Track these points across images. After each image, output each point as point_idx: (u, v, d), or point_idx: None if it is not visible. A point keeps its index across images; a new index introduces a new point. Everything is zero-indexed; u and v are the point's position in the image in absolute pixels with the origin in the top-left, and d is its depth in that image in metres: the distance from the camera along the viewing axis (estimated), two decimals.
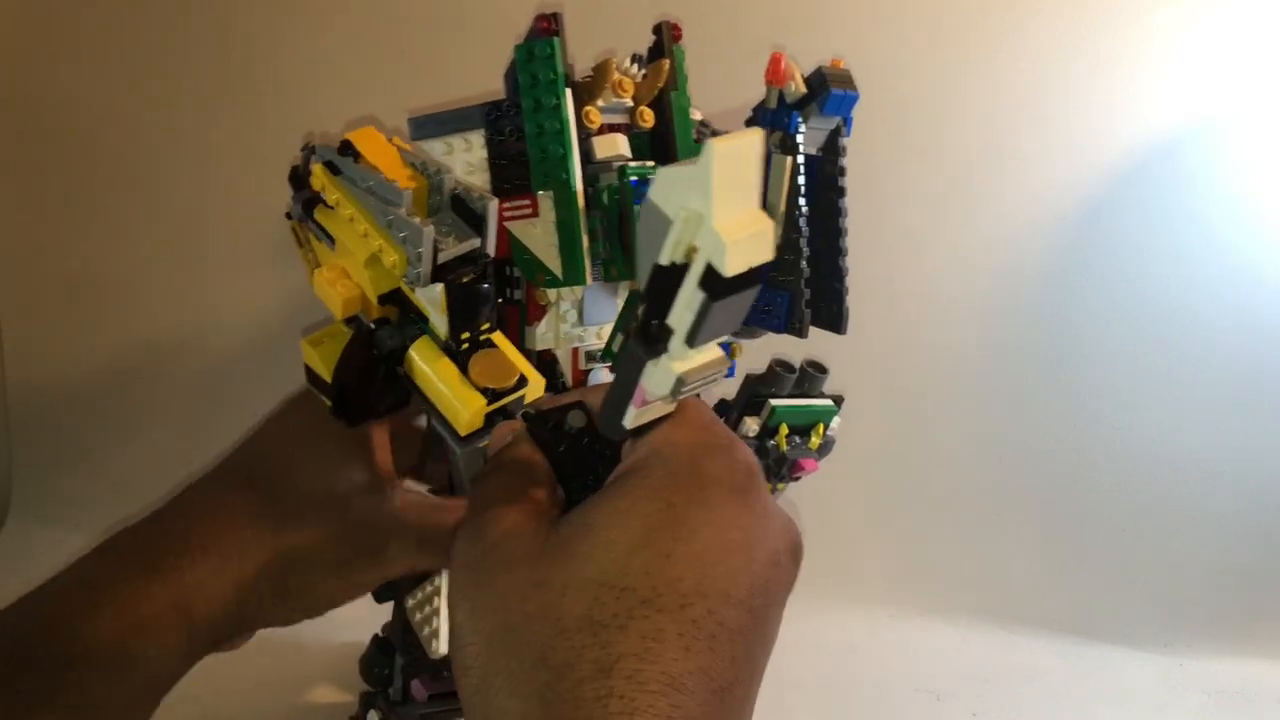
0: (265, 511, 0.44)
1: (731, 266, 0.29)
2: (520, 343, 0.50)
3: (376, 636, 0.63)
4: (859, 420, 0.97)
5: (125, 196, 0.96)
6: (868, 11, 0.90)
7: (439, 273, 0.40)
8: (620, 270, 0.48)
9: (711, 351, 0.32)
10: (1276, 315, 0.90)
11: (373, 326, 0.43)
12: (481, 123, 0.48)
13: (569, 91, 0.47)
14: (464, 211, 0.41)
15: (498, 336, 0.43)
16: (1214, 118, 0.89)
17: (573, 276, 0.47)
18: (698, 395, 0.34)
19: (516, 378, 0.42)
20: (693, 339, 0.31)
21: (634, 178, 0.47)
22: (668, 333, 0.31)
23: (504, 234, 0.48)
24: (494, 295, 0.42)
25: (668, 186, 0.30)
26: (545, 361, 0.51)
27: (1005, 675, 0.82)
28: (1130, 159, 0.91)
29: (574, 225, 0.47)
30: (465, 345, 0.42)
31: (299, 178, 0.45)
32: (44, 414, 0.98)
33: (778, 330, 0.51)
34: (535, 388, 0.43)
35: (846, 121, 0.50)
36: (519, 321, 0.51)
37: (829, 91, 0.46)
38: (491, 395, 0.41)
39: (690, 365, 0.32)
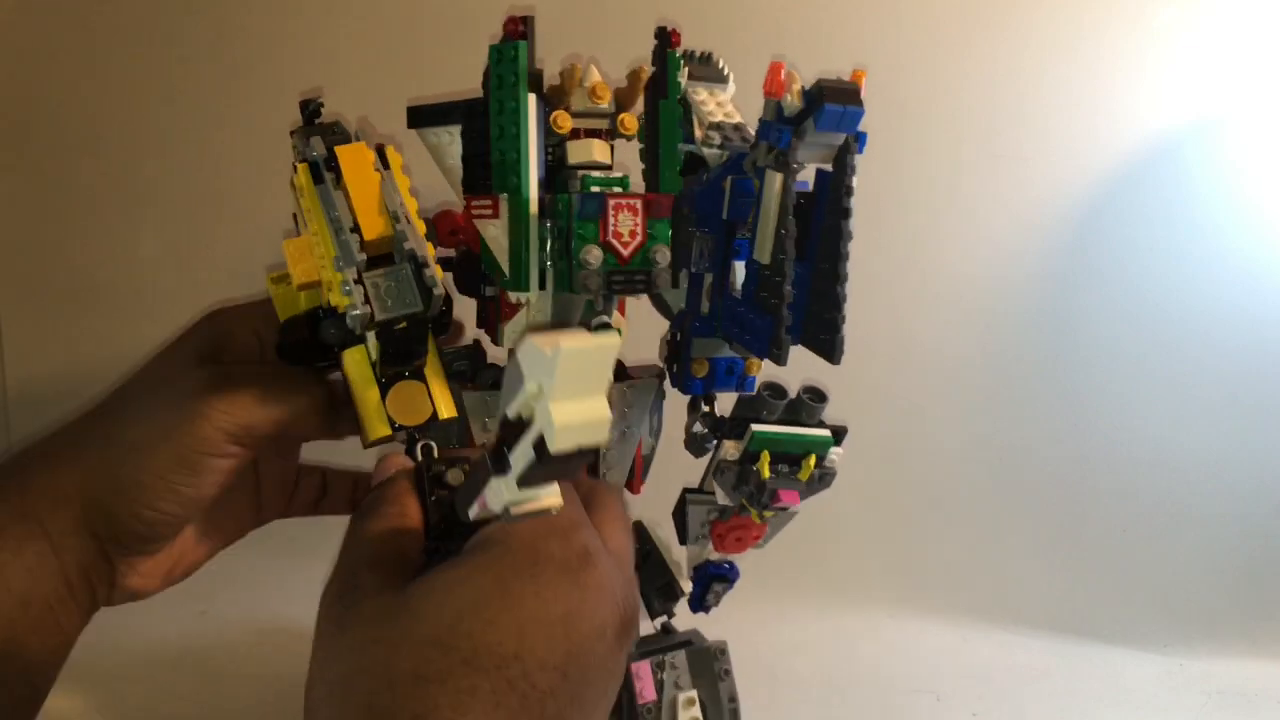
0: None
1: (558, 446, 0.32)
2: (497, 339, 0.51)
3: None
4: (859, 420, 0.97)
5: (126, 197, 0.96)
6: (867, 12, 0.90)
7: (376, 324, 0.43)
8: (562, 283, 0.47)
9: (548, 492, 0.36)
10: (1276, 316, 0.90)
11: (322, 313, 0.46)
12: (460, 120, 0.49)
13: (534, 97, 0.46)
14: (417, 275, 0.43)
15: (430, 368, 0.46)
16: (1214, 118, 0.89)
17: (515, 282, 0.47)
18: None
19: (427, 417, 0.46)
20: (521, 482, 0.35)
21: (595, 188, 0.46)
22: (507, 464, 0.35)
23: (475, 230, 0.48)
24: (424, 344, 0.46)
25: (531, 354, 0.33)
26: None
27: (1005, 675, 0.82)
28: (1130, 159, 0.91)
29: (521, 232, 0.46)
30: (387, 380, 0.46)
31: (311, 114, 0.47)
32: (44, 414, 0.98)
33: (759, 355, 0.50)
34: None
35: (859, 139, 0.47)
36: (495, 317, 0.51)
37: (823, 107, 0.44)
38: (398, 428, 0.45)
39: (520, 498, 0.36)
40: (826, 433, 0.53)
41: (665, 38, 0.50)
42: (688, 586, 0.58)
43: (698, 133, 0.52)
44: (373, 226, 0.44)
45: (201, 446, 0.45)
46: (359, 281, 0.42)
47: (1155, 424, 0.93)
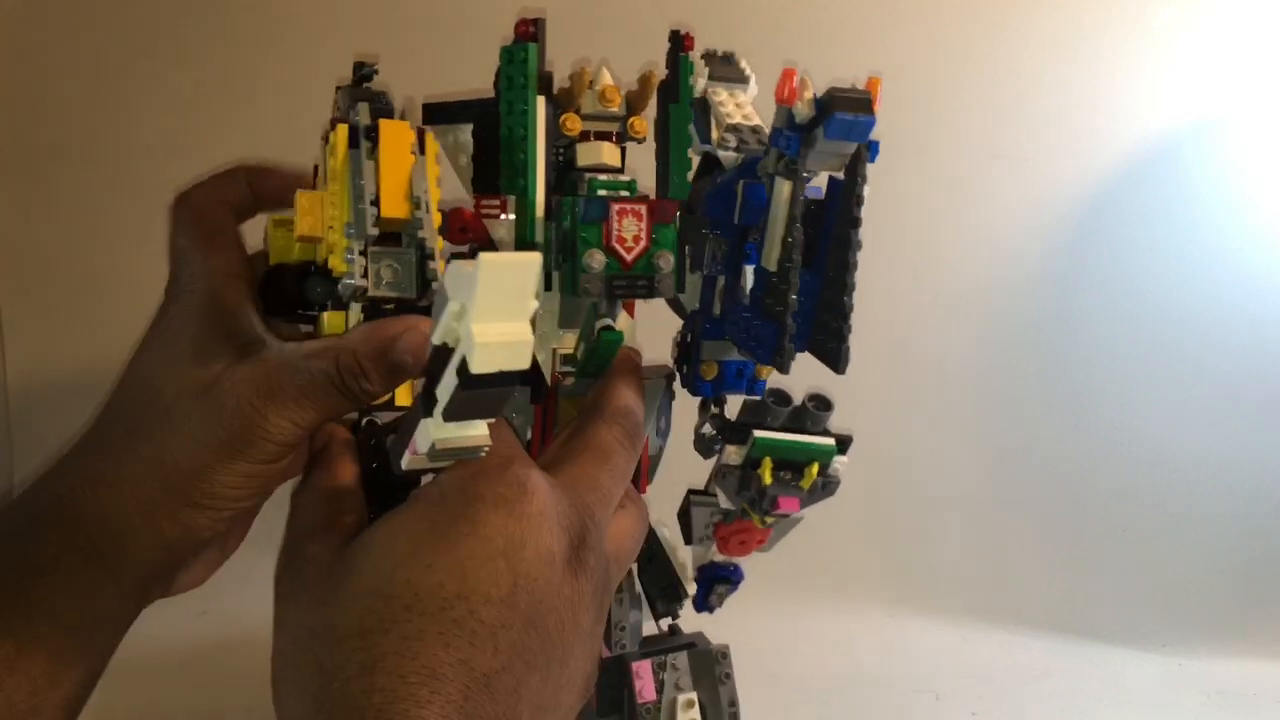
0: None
1: (478, 366, 0.32)
2: None
3: None
4: (859, 420, 0.97)
5: (125, 196, 0.96)
6: (868, 12, 0.90)
7: (366, 298, 0.43)
8: (566, 285, 0.47)
9: (475, 428, 0.36)
10: (1276, 315, 0.90)
11: (314, 268, 0.46)
12: (471, 119, 0.49)
13: (543, 99, 0.47)
14: (420, 264, 0.44)
15: None
16: (1214, 118, 0.89)
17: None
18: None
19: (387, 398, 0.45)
20: (446, 415, 0.34)
21: (601, 191, 0.47)
22: (434, 401, 0.35)
23: (484, 229, 0.48)
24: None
25: (454, 275, 0.33)
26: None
27: (1005, 675, 0.82)
28: (1130, 159, 0.91)
29: (525, 233, 0.47)
30: None
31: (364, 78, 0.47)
32: (44, 414, 0.98)
33: (764, 362, 0.50)
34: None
35: (871, 147, 0.47)
36: None
37: (832, 116, 0.43)
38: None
39: (447, 435, 0.36)
40: (830, 441, 0.52)
41: (679, 41, 0.50)
42: (692, 588, 0.58)
43: (714, 134, 0.51)
44: (394, 206, 0.43)
45: (263, 457, 0.42)
46: (363, 253, 0.43)
47: (1155, 424, 0.93)
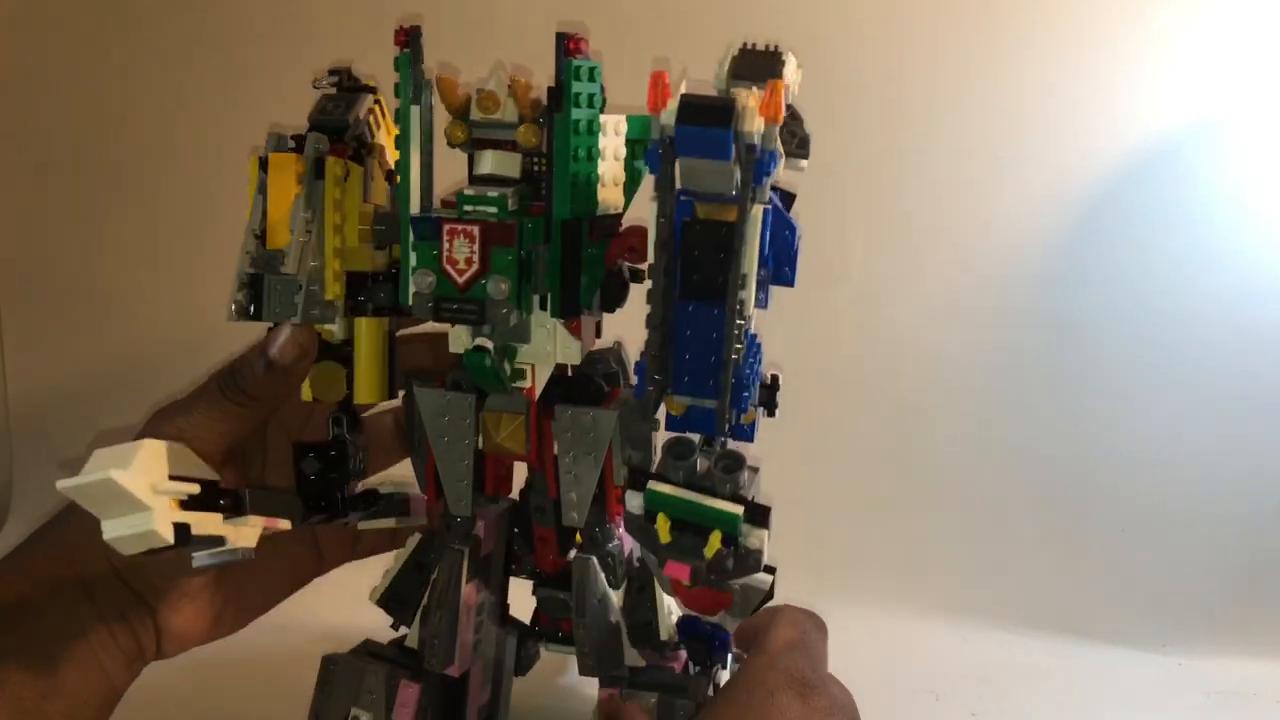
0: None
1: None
2: None
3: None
4: (859, 420, 0.98)
5: (125, 198, 0.96)
6: (867, 11, 0.90)
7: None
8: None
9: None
10: (1276, 315, 0.90)
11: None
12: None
13: (416, 109, 0.46)
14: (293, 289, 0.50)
15: (366, 355, 0.50)
16: (1214, 119, 0.89)
17: (403, 297, 0.47)
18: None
19: (341, 398, 0.51)
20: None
21: (467, 207, 0.45)
22: None
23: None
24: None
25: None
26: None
27: (1005, 675, 0.82)
28: (1130, 160, 0.91)
29: (401, 229, 0.47)
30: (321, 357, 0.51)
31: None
32: (44, 414, 0.98)
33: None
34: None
35: (762, 164, 0.40)
36: None
37: (677, 129, 0.38)
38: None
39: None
40: (736, 509, 0.44)
41: (562, 44, 0.46)
42: (667, 634, 0.54)
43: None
44: (277, 238, 0.48)
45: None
46: (248, 283, 0.49)
47: (1155, 424, 0.93)
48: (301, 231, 0.46)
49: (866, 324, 0.95)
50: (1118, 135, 0.90)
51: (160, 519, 0.40)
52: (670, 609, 0.54)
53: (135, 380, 0.95)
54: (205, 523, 0.43)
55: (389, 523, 0.55)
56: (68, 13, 0.93)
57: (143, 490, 0.39)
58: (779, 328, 0.92)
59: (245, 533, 0.45)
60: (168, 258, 0.95)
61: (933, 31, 0.90)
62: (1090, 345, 0.93)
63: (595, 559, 0.53)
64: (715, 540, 0.44)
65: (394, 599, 0.55)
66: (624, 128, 0.49)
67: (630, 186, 0.50)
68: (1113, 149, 0.91)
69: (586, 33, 0.46)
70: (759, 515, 0.45)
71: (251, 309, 0.49)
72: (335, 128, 0.50)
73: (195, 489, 0.42)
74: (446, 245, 0.44)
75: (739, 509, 0.44)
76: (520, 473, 0.57)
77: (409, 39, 0.47)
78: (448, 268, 0.44)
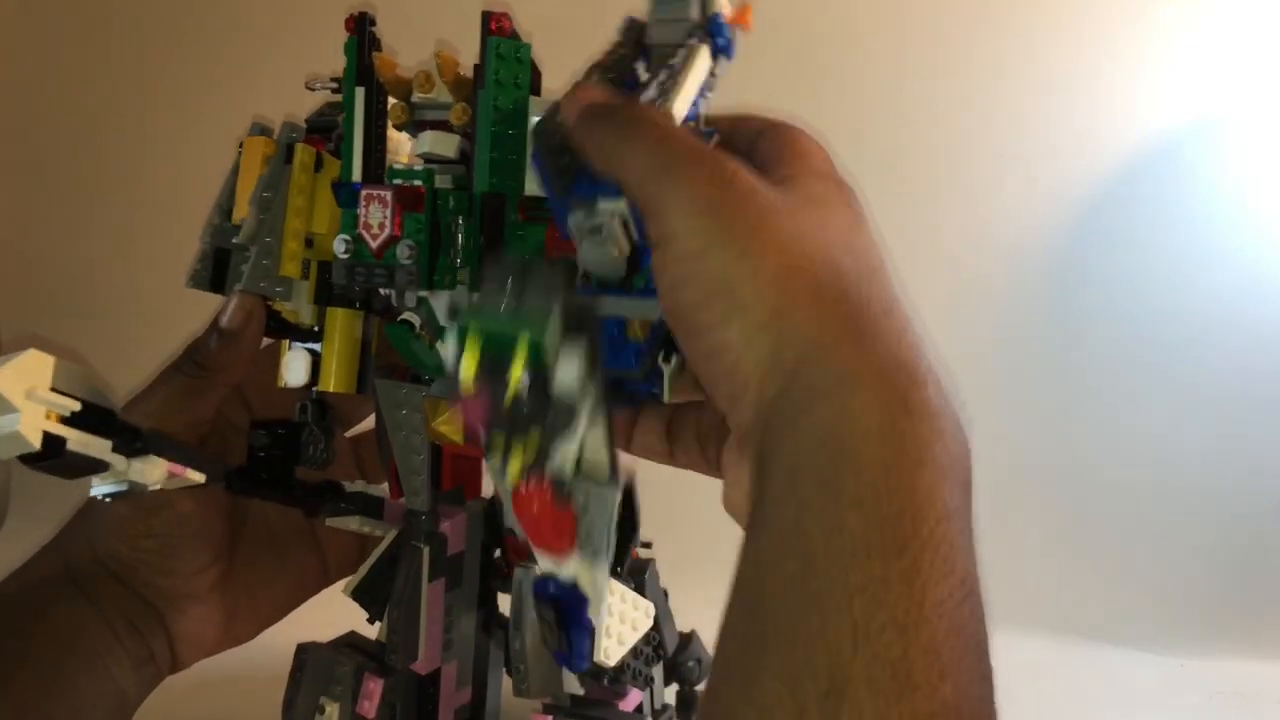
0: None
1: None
2: None
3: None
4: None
5: (125, 197, 0.96)
6: (867, 11, 0.90)
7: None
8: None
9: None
10: (1276, 315, 0.90)
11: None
12: None
13: (361, 90, 0.47)
14: (257, 263, 0.51)
15: (339, 341, 0.51)
16: (1214, 118, 0.89)
17: None
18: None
19: (303, 384, 0.51)
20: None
21: (397, 180, 0.45)
22: None
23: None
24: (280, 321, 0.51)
25: None
26: None
27: (1005, 675, 0.82)
28: (1130, 159, 0.91)
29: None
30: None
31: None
32: None
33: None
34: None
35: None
36: None
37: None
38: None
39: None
40: (549, 316, 0.36)
41: (486, 22, 0.46)
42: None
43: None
44: (238, 214, 0.50)
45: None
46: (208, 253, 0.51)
47: (1155, 423, 0.93)
48: (257, 207, 0.49)
49: None
50: (1118, 134, 0.90)
51: (28, 423, 0.38)
52: (612, 632, 0.49)
53: (134, 380, 0.95)
54: (90, 444, 0.42)
55: (354, 523, 0.55)
56: (69, 11, 0.93)
57: (15, 394, 0.38)
58: None
59: (145, 470, 0.44)
60: (169, 257, 0.95)
61: (933, 30, 0.90)
62: (1090, 343, 0.93)
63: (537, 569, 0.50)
64: (518, 366, 0.36)
65: (367, 593, 0.54)
66: None
67: None
68: (1113, 147, 0.91)
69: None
70: (580, 319, 0.36)
71: (213, 282, 0.52)
72: (325, 127, 0.51)
73: (75, 405, 0.41)
74: (363, 211, 0.44)
75: (553, 308, 0.36)
76: None
77: (358, 26, 0.48)
78: (364, 233, 0.44)
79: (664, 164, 0.33)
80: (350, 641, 0.55)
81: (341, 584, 0.55)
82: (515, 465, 0.36)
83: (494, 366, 0.36)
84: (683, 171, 0.33)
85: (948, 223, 0.93)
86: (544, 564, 0.38)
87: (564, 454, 0.35)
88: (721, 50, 0.42)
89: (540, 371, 0.35)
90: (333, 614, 0.54)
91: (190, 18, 0.92)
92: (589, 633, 0.41)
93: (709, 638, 0.58)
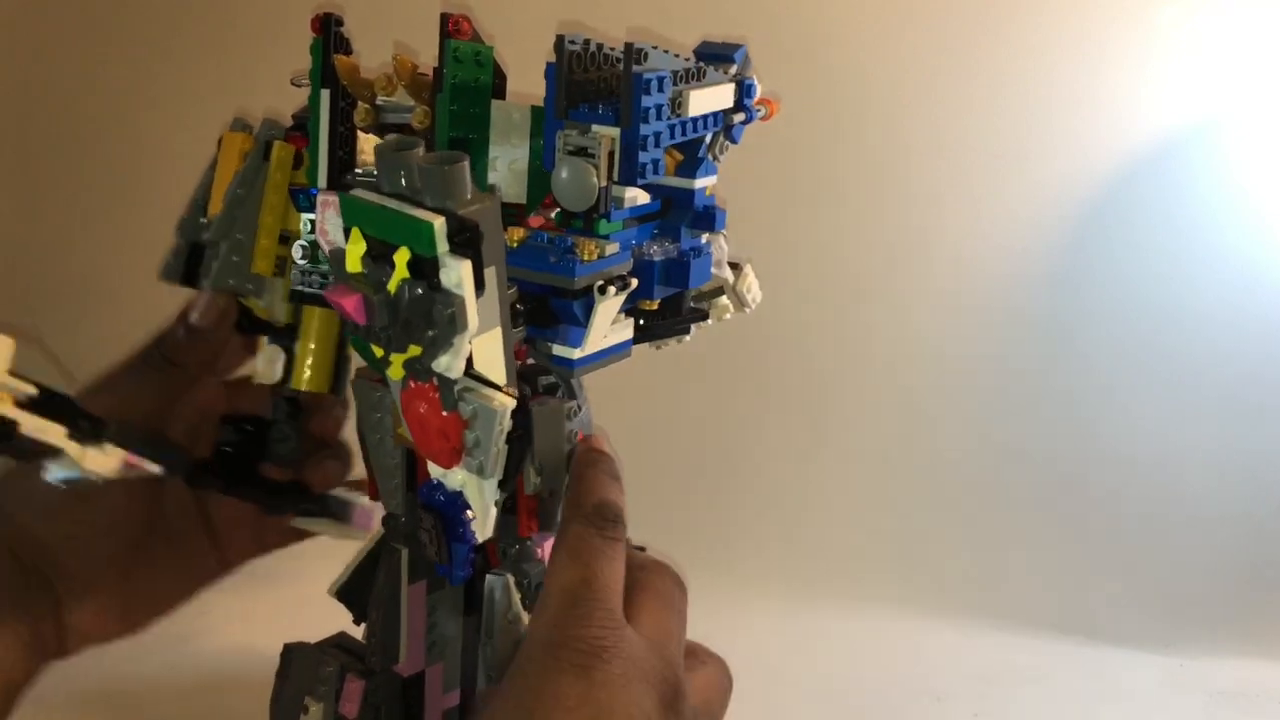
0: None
1: None
2: None
3: None
4: (859, 420, 0.98)
5: (125, 197, 0.96)
6: (867, 10, 0.90)
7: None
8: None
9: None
10: (1277, 315, 0.90)
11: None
12: None
13: (327, 93, 0.47)
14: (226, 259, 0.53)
15: (316, 341, 0.51)
16: (1215, 118, 0.89)
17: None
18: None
19: (276, 381, 0.52)
20: None
21: (358, 189, 0.43)
22: None
23: None
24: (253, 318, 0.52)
25: None
26: None
27: (1006, 676, 0.82)
28: (1131, 159, 0.91)
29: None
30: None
31: None
32: None
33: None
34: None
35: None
36: None
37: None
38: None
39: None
40: (433, 218, 0.34)
41: (444, 24, 0.45)
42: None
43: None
44: (212, 209, 0.51)
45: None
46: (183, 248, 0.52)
47: (1156, 424, 0.92)
48: (230, 203, 0.49)
49: (866, 323, 0.95)
50: (1119, 134, 0.90)
51: None
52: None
53: None
54: (44, 430, 0.42)
55: (323, 525, 0.55)
56: (69, 11, 0.93)
57: None
58: (779, 327, 0.92)
59: (99, 459, 0.44)
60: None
61: (933, 30, 0.90)
62: (1091, 344, 0.93)
63: (510, 577, 0.49)
64: (402, 262, 0.34)
65: (351, 593, 0.54)
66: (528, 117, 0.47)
67: (534, 179, 0.48)
68: (1114, 148, 0.90)
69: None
70: (465, 236, 0.34)
71: (185, 276, 0.53)
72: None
73: (32, 389, 0.41)
74: (319, 216, 0.43)
75: (438, 218, 0.34)
76: None
77: (323, 26, 0.48)
78: (319, 238, 0.43)
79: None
80: (338, 642, 0.54)
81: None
82: (398, 361, 0.36)
83: (377, 260, 0.35)
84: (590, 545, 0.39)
85: (947, 223, 0.93)
86: (433, 470, 0.38)
87: (446, 357, 0.35)
88: (743, 106, 0.44)
89: (425, 275, 0.34)
90: (333, 614, 0.54)
91: (192, 17, 0.92)
92: (469, 546, 0.41)
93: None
